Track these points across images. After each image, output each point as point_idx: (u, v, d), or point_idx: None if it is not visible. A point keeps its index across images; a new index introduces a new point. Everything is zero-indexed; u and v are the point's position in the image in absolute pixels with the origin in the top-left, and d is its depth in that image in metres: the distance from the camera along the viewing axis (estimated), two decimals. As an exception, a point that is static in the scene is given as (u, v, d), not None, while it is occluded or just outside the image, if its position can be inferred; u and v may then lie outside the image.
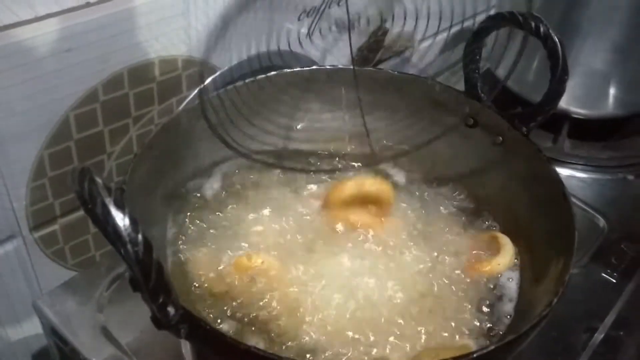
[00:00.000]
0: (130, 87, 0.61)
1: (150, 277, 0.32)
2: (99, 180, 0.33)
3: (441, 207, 0.60)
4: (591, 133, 0.82)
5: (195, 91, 0.64)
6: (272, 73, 0.61)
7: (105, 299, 0.57)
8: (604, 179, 0.79)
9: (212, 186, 0.61)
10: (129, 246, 0.32)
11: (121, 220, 0.32)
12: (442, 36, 1.02)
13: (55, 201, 0.61)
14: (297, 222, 0.57)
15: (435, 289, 0.52)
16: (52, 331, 0.56)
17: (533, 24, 0.53)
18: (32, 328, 0.66)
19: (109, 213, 0.32)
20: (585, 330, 0.58)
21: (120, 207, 0.32)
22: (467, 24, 1.01)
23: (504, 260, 0.52)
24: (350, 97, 0.63)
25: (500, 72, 0.86)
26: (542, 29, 0.53)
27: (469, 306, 0.51)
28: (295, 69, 0.62)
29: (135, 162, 0.48)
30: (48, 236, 0.63)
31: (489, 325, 0.50)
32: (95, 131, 0.61)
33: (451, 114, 0.60)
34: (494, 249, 0.54)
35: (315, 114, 0.63)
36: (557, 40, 0.52)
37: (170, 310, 0.35)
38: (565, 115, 0.82)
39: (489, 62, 0.89)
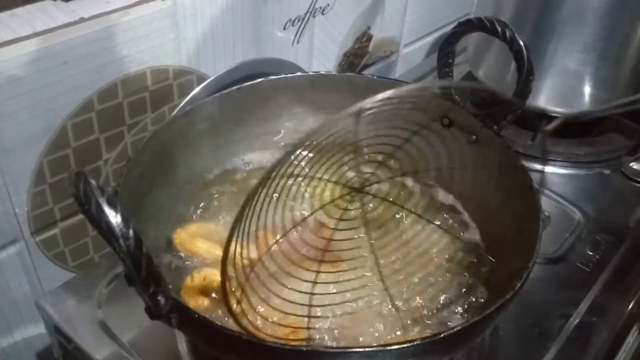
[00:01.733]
0: (124, 97, 0.64)
1: (141, 269, 0.36)
2: (93, 181, 0.36)
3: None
4: (568, 130, 0.85)
5: (186, 99, 0.67)
6: (259, 80, 0.64)
7: (103, 297, 0.61)
8: (581, 174, 0.82)
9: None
10: (121, 241, 0.35)
11: (114, 217, 0.35)
12: (425, 41, 1.07)
13: (55, 206, 0.64)
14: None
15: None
16: (54, 329, 0.59)
17: (499, 29, 0.56)
18: (35, 328, 0.70)
19: (102, 212, 0.35)
20: (560, 317, 0.61)
21: (112, 205, 0.35)
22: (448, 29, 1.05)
23: None
24: (333, 101, 0.66)
25: (481, 74, 0.89)
26: (508, 34, 0.56)
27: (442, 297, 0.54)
28: (280, 76, 0.65)
29: (128, 167, 0.51)
30: (49, 239, 0.66)
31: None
32: (92, 139, 0.64)
33: (429, 115, 0.63)
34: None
35: (300, 118, 0.67)
36: (522, 43, 0.55)
37: (161, 299, 0.38)
38: (543, 114, 0.85)
39: (470, 65, 0.93)
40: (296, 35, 0.81)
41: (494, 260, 0.57)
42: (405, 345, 0.38)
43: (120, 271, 0.62)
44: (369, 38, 0.93)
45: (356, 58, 0.93)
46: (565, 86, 0.83)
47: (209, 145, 0.63)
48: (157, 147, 0.57)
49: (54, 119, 0.60)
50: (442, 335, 0.39)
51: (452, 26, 0.63)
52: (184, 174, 0.61)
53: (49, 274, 0.68)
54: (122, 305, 0.60)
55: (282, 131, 0.68)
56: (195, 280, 0.52)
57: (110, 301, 0.61)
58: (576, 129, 0.86)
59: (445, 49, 0.62)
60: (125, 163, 0.53)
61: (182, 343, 0.57)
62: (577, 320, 0.61)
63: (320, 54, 0.86)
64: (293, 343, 0.40)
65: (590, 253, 0.69)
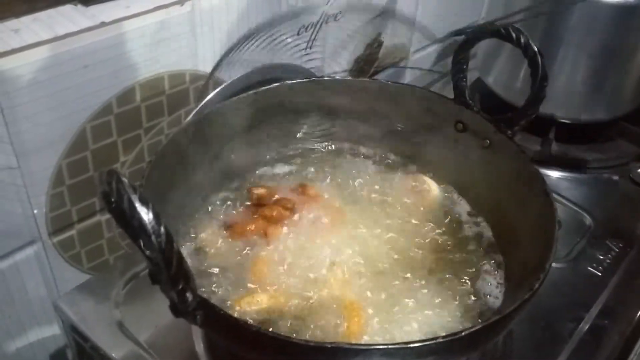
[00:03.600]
0: (141, 100, 0.65)
1: (171, 265, 0.36)
2: (125, 179, 0.37)
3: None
4: (577, 136, 0.86)
5: (202, 103, 0.68)
6: (275, 85, 0.65)
7: (121, 298, 0.61)
8: (590, 180, 0.83)
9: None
10: (152, 237, 0.35)
11: (145, 214, 0.36)
12: (434, 48, 1.08)
13: (72, 208, 0.65)
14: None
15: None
16: (72, 329, 0.60)
17: (514, 35, 0.57)
18: (50, 329, 0.70)
19: (134, 208, 0.35)
20: (571, 320, 0.62)
21: (144, 202, 0.36)
22: (458, 36, 1.06)
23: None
24: (346, 105, 0.67)
25: (490, 80, 0.90)
26: (522, 40, 0.57)
27: (456, 302, 0.54)
28: (295, 80, 0.66)
29: (151, 167, 0.52)
30: (66, 241, 0.66)
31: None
32: (110, 141, 0.65)
33: (442, 120, 0.64)
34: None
35: (315, 122, 0.68)
36: (536, 49, 0.56)
37: (189, 296, 0.39)
38: (552, 120, 0.86)
39: (479, 72, 0.94)
40: (309, 41, 0.82)
41: (507, 262, 0.58)
42: (426, 343, 0.39)
43: (137, 272, 0.63)
44: (380, 44, 0.94)
45: (367, 64, 0.94)
46: (574, 93, 0.84)
47: (225, 148, 0.64)
48: (175, 150, 0.58)
49: (74, 122, 0.61)
50: (463, 334, 0.39)
51: (461, 33, 0.64)
52: (200, 177, 0.61)
53: (65, 275, 0.68)
54: (139, 305, 0.61)
55: (297, 135, 0.69)
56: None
57: (127, 301, 0.61)
58: (583, 135, 0.87)
59: (459, 56, 0.63)
60: (146, 164, 0.54)
61: (199, 343, 0.57)
62: (589, 324, 0.62)
63: (332, 60, 0.87)
64: (317, 340, 0.40)
65: (601, 257, 0.69)
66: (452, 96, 0.64)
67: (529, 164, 0.56)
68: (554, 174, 0.82)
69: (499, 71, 0.89)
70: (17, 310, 0.66)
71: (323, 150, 0.70)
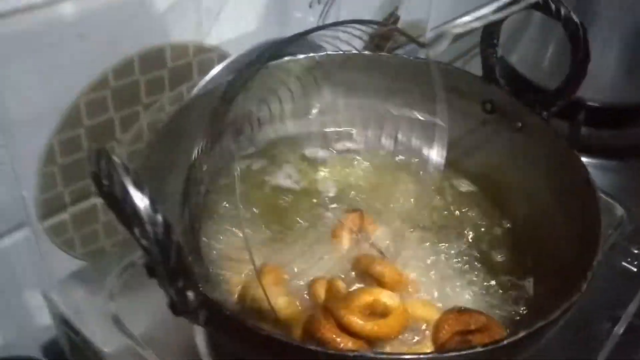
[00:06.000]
0: (141, 74, 0.60)
1: (169, 259, 0.31)
2: (117, 159, 0.31)
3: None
4: (608, 121, 0.80)
5: (207, 77, 0.63)
6: (286, 58, 0.60)
7: (116, 288, 0.57)
8: (621, 167, 0.77)
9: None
10: (147, 226, 0.30)
11: (140, 199, 0.31)
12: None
13: (65, 189, 0.60)
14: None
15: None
16: (62, 322, 0.55)
17: (553, 7, 0.51)
18: (41, 319, 0.65)
19: (127, 192, 0.30)
20: (608, 319, 0.57)
21: (139, 186, 0.31)
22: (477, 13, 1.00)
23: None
24: (364, 81, 0.61)
25: (514, 59, 0.85)
26: (562, 11, 0.51)
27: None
28: (308, 55, 0.61)
29: (149, 148, 0.47)
30: (58, 225, 0.61)
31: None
32: (106, 118, 0.60)
33: (468, 100, 0.59)
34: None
35: (329, 100, 0.62)
36: (578, 22, 0.51)
37: (190, 294, 0.34)
38: (582, 103, 0.80)
39: (502, 50, 0.88)
40: (322, 14, 0.76)
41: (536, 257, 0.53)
42: (463, 352, 0.34)
43: (134, 259, 0.58)
44: (396, 20, 0.88)
45: (382, 41, 0.88)
46: (606, 74, 0.78)
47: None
48: (176, 129, 0.53)
49: (66, 96, 0.56)
50: (505, 342, 0.35)
51: (481, 10, 0.59)
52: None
53: (57, 261, 0.63)
54: (137, 296, 0.56)
55: (309, 115, 0.63)
56: None
57: (122, 292, 0.56)
58: (615, 120, 0.82)
59: (489, 30, 0.58)
60: (145, 145, 0.49)
61: (201, 339, 0.52)
62: (626, 324, 0.57)
63: (346, 35, 0.81)
64: (337, 348, 0.35)
65: (636, 251, 0.64)
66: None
67: (567, 149, 0.51)
68: (582, 160, 0.77)
69: (525, 49, 0.84)
70: (6, 299, 0.62)
71: (333, 131, 0.64)
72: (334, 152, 0.64)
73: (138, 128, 0.63)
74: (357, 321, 0.42)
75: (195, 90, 0.64)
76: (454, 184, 0.60)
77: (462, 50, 0.93)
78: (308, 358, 0.35)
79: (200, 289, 0.35)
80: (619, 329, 0.56)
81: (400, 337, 0.45)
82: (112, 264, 0.59)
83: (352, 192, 0.60)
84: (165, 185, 0.50)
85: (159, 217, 0.31)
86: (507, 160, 0.57)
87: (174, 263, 0.31)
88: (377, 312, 0.45)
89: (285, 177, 0.62)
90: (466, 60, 0.90)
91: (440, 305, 0.49)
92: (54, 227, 0.61)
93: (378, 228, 0.54)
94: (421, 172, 0.60)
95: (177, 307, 0.35)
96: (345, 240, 0.53)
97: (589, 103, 0.80)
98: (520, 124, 0.56)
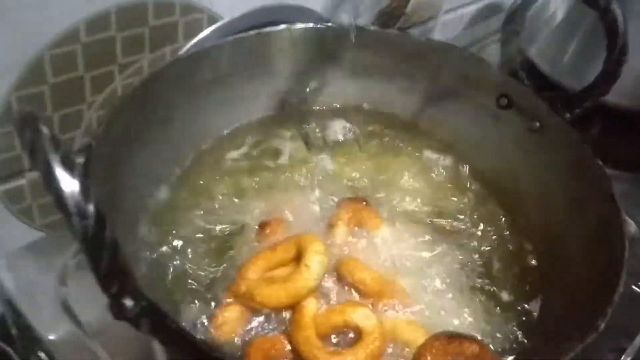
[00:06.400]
0: (117, 30, 0.54)
1: (101, 260, 0.25)
2: (44, 129, 0.25)
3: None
4: (624, 126, 0.74)
5: (193, 41, 0.56)
6: (282, 27, 0.53)
7: (69, 269, 0.51)
8: (629, 178, 0.71)
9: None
10: (74, 218, 0.24)
11: (68, 184, 0.24)
12: (468, 10, 0.95)
13: (23, 152, 0.54)
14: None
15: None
16: (6, 300, 0.49)
17: (592, -7, 0.45)
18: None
19: (52, 174, 0.24)
20: (611, 350, 0.51)
21: (69, 166, 0.25)
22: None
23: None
24: (370, 62, 0.55)
25: (533, 51, 0.78)
26: (601, 1, 0.45)
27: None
28: (308, 25, 0.54)
29: (112, 113, 0.41)
30: (14, 191, 0.56)
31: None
32: (75, 76, 0.54)
33: (482, 91, 0.53)
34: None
35: (328, 79, 0.56)
36: (618, 13, 0.44)
37: (127, 302, 0.28)
38: (598, 106, 0.74)
39: (521, 41, 0.81)
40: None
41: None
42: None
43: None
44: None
45: (391, 19, 0.81)
46: (628, 75, 0.71)
47: (213, 99, 0.52)
48: (150, 94, 0.46)
49: (29, 48, 0.50)
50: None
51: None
52: (177, 131, 0.50)
53: (11, 231, 0.58)
54: (90, 281, 0.50)
55: (304, 94, 0.57)
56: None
57: (77, 274, 0.51)
58: (633, 126, 0.75)
59: (513, 16, 0.51)
60: (107, 110, 0.42)
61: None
62: (631, 356, 0.51)
63: (352, 8, 0.74)
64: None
65: (649, 274, 0.58)
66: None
67: (591, 157, 0.45)
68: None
69: (546, 42, 0.76)
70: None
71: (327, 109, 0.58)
72: (333, 131, 0.58)
73: (112, 91, 0.57)
74: (318, 358, 0.37)
75: (180, 52, 0.57)
76: (459, 182, 0.53)
77: (479, 35, 0.86)
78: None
79: (144, 294, 0.29)
80: (624, 361, 0.51)
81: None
82: (68, 241, 0.52)
83: (353, 175, 0.53)
84: (127, 159, 0.44)
85: (91, 208, 0.24)
86: (519, 163, 0.51)
87: (107, 264, 0.25)
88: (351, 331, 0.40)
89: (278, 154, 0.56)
90: (482, 47, 0.83)
91: (430, 321, 0.43)
92: (10, 193, 0.56)
93: (380, 224, 0.48)
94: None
95: (115, 313, 0.29)
96: (339, 233, 0.46)
97: (609, 106, 0.73)
98: (538, 124, 0.49)
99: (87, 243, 0.25)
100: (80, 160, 0.38)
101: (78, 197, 0.24)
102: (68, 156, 0.25)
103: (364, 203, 0.49)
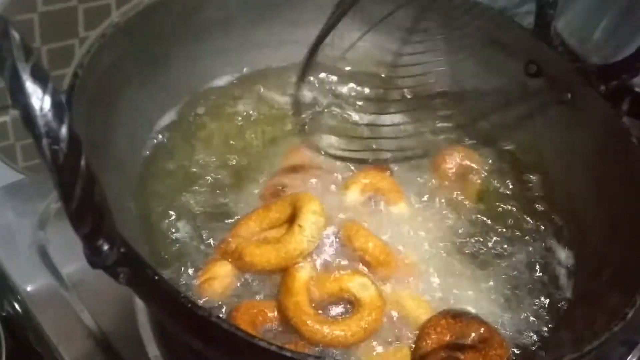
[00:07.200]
0: (117, -42, 0.49)
1: (73, 192, 0.21)
2: (15, 34, 0.21)
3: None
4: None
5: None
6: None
7: (49, 215, 0.47)
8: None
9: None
10: (44, 141, 0.20)
11: (38, 99, 0.20)
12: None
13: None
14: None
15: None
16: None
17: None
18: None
19: (20, 85, 0.20)
20: (622, 343, 0.48)
21: (40, 79, 0.20)
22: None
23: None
24: (389, 13, 0.50)
25: (561, 24, 0.73)
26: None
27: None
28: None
29: (101, 43, 0.36)
30: (-4, 128, 0.52)
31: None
32: (67, 6, 0.50)
33: (510, 56, 0.48)
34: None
35: (342, 30, 0.51)
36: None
37: (104, 246, 0.24)
38: (626, 89, 0.69)
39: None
40: None
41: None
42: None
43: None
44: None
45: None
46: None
47: (217, 42, 0.48)
48: (147, 29, 0.42)
49: (19, -31, 0.45)
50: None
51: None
52: (175, 74, 0.46)
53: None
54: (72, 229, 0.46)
55: (316, 47, 0.52)
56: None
57: (56, 220, 0.47)
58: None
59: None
60: (95, 38, 0.38)
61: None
62: (643, 350, 0.48)
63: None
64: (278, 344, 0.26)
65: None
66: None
67: (626, 135, 0.41)
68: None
69: (575, 15, 0.72)
70: None
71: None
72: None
73: (107, 26, 0.52)
74: (306, 325, 0.34)
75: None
76: (477, 155, 0.49)
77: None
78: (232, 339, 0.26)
79: (122, 239, 0.25)
80: (634, 356, 0.48)
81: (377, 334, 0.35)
82: (51, 185, 0.49)
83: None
84: (118, 99, 0.39)
85: (64, 131, 0.20)
86: (545, 135, 0.47)
87: (79, 199, 0.21)
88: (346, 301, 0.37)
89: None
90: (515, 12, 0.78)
91: (440, 295, 0.39)
92: (-8, 130, 0.52)
93: (399, 199, 0.43)
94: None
95: (92, 260, 0.26)
96: (351, 196, 0.42)
97: (637, 89, 0.69)
98: (569, 95, 0.45)
99: (58, 171, 0.21)
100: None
101: (49, 116, 0.20)
102: (40, 69, 0.21)
103: (388, 172, 0.45)
